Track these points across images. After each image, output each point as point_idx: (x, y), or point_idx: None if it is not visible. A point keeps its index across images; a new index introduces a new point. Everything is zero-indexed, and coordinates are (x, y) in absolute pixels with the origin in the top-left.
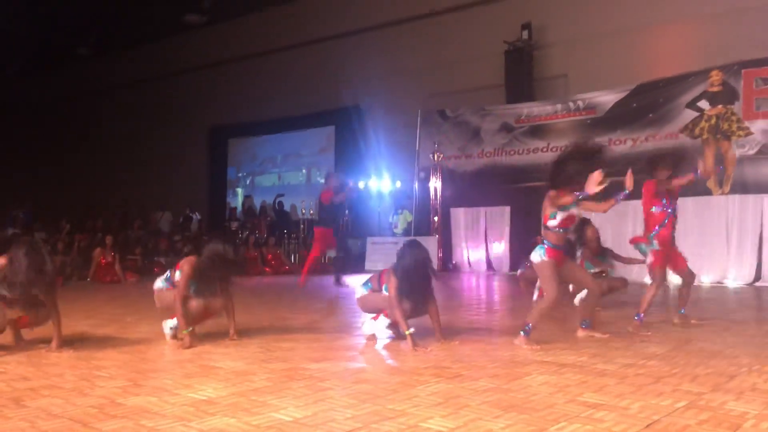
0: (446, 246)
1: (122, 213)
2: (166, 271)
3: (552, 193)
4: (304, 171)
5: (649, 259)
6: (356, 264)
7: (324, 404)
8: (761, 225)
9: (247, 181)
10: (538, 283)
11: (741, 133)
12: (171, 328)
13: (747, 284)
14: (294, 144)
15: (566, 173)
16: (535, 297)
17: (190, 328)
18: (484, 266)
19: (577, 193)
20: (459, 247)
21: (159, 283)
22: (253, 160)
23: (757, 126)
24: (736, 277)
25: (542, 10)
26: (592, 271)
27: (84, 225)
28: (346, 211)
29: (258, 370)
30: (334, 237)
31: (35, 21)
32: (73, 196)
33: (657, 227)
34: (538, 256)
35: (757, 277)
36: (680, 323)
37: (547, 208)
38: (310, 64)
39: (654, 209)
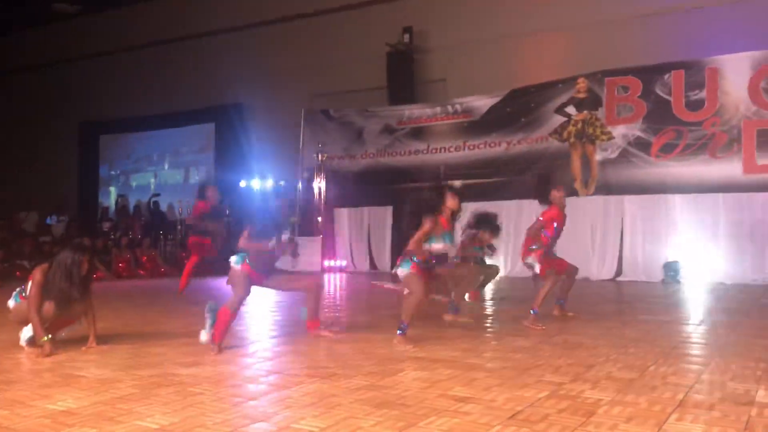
0: (330, 246)
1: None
2: (22, 284)
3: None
4: (182, 170)
5: (537, 268)
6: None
7: (193, 410)
8: (622, 223)
9: (121, 180)
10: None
11: (604, 137)
12: (28, 338)
13: (609, 279)
14: (172, 142)
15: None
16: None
17: (48, 336)
18: (367, 265)
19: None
20: (343, 247)
21: (11, 301)
22: (128, 157)
23: (618, 131)
24: (600, 273)
25: (423, 15)
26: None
27: None
28: (225, 215)
29: (125, 377)
30: (212, 244)
31: None
32: None
33: (534, 246)
34: (403, 271)
35: (618, 272)
36: (559, 314)
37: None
38: (189, 60)
39: (544, 234)
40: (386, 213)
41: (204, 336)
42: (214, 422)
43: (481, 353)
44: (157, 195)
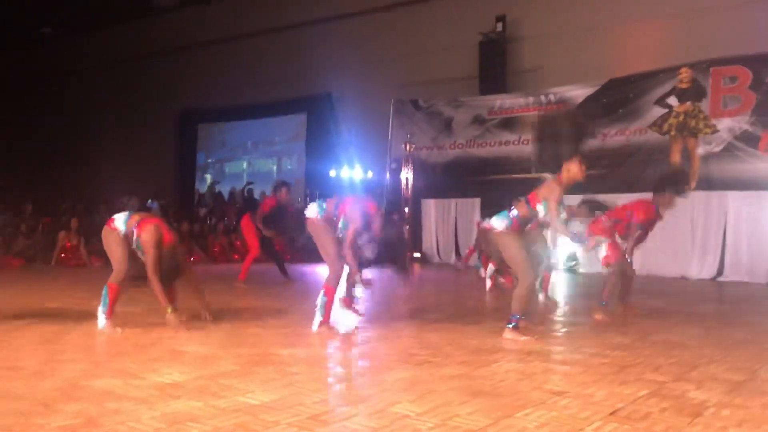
0: (416, 236)
1: (88, 196)
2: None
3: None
4: (275, 159)
5: (604, 249)
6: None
7: (292, 388)
8: (725, 221)
9: (217, 168)
10: (489, 271)
11: (708, 130)
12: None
13: (710, 279)
14: (265, 131)
15: None
16: (488, 285)
17: (172, 307)
18: (453, 257)
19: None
20: (429, 238)
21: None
22: (223, 146)
23: (723, 124)
24: (700, 272)
25: (517, 3)
26: None
27: (48, 208)
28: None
29: (225, 354)
30: (259, 240)
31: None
32: (37, 178)
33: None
34: (500, 223)
35: (720, 271)
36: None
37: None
38: (282, 51)
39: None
40: (474, 205)
41: (315, 327)
42: (312, 401)
43: (576, 349)
44: (251, 183)
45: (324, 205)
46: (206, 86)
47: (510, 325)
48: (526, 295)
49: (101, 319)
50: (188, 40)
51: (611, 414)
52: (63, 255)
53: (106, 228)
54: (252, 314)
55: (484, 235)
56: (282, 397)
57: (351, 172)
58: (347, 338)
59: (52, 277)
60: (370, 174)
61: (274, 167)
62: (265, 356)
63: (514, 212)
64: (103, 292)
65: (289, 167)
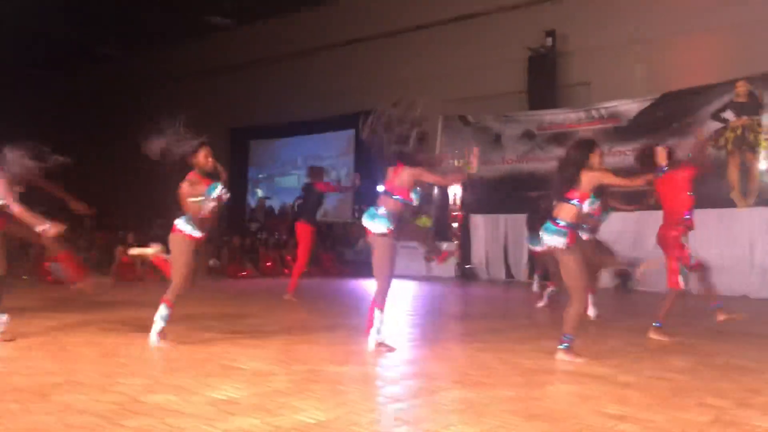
0: (465, 252)
1: (142, 212)
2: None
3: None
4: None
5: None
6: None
7: (346, 407)
8: None
9: (268, 183)
10: (549, 290)
11: (766, 144)
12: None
13: None
14: (315, 146)
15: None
16: (542, 303)
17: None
18: (503, 274)
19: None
20: (478, 254)
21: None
22: (274, 161)
23: None
24: (759, 291)
25: (566, 18)
26: None
27: (105, 222)
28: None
29: (278, 371)
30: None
31: (63, 21)
32: (94, 193)
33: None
34: (553, 240)
35: None
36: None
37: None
38: (331, 68)
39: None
40: (524, 220)
41: (371, 344)
42: (367, 421)
43: (634, 371)
44: (301, 198)
45: (390, 218)
46: (258, 103)
47: (563, 346)
48: (578, 316)
49: (153, 336)
50: (242, 58)
51: None
52: (120, 269)
53: (171, 234)
54: (302, 329)
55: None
56: (337, 417)
57: None
58: (398, 356)
59: (110, 291)
60: (417, 189)
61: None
62: (317, 373)
63: (563, 222)
64: (160, 307)
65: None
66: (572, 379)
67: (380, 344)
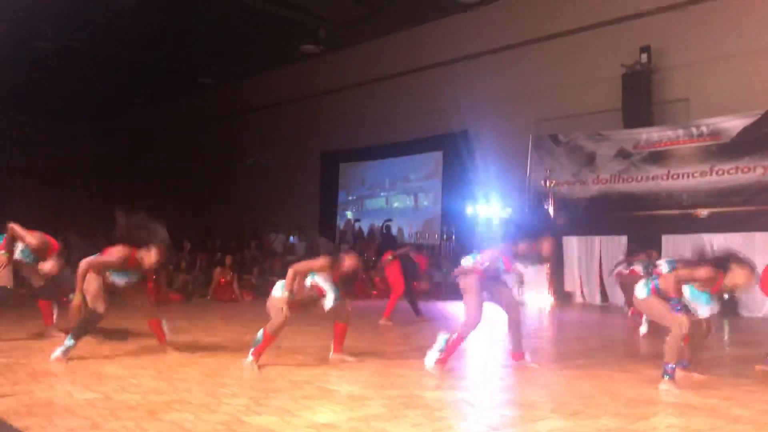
0: (558, 275)
1: (238, 234)
2: None
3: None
4: (411, 196)
5: None
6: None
7: None
8: None
9: (357, 205)
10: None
11: None
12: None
13: None
14: (402, 169)
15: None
16: (643, 330)
17: None
18: (598, 297)
19: None
20: (572, 277)
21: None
22: (362, 184)
23: None
24: None
25: (662, 33)
26: None
27: (204, 245)
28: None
29: (373, 395)
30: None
31: (162, 53)
32: (193, 216)
33: None
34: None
35: None
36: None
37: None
38: (418, 90)
39: None
40: (620, 242)
41: (429, 361)
42: None
43: (746, 403)
44: (389, 220)
45: (477, 257)
46: (347, 127)
47: (666, 376)
48: (677, 343)
49: (250, 359)
50: (331, 84)
51: None
52: (217, 290)
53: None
54: (395, 353)
55: (625, 281)
56: None
57: (488, 209)
58: (494, 382)
59: (209, 311)
60: (508, 210)
61: (411, 204)
62: (412, 398)
63: (655, 282)
64: (259, 334)
65: (425, 204)
66: (678, 411)
67: (441, 368)
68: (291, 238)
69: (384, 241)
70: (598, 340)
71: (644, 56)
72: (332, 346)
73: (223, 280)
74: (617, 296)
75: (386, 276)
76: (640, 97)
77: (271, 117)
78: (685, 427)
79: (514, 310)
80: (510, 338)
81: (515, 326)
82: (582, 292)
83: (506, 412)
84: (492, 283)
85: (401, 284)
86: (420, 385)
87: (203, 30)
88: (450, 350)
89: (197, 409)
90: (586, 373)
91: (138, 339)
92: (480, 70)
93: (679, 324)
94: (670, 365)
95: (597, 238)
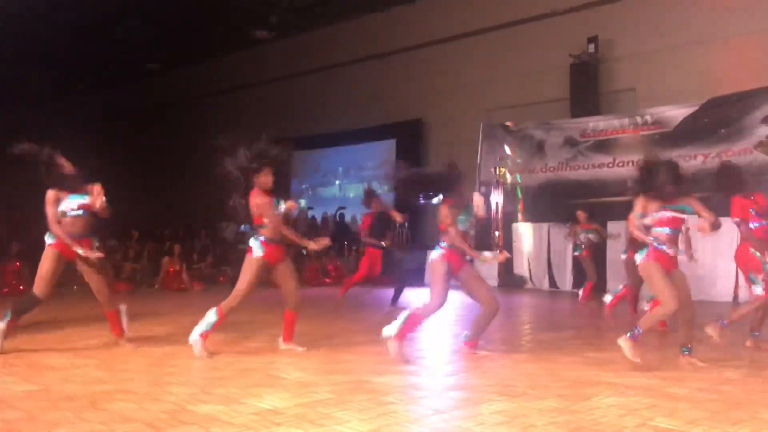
0: (508, 262)
1: (188, 223)
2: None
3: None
4: (365, 184)
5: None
6: (414, 278)
7: (388, 418)
8: None
9: (310, 193)
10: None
11: None
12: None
13: None
14: (356, 157)
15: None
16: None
17: None
18: (546, 283)
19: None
20: (521, 263)
21: None
22: (316, 171)
23: None
24: None
25: (609, 24)
26: None
27: (152, 234)
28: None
29: (321, 381)
30: (380, 258)
31: (109, 40)
32: (141, 205)
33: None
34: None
35: None
36: (752, 346)
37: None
38: (372, 78)
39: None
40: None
41: (387, 331)
42: None
43: (683, 382)
44: (343, 208)
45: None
46: (301, 114)
47: (629, 334)
48: (660, 317)
49: (196, 339)
50: (284, 70)
51: None
52: (166, 279)
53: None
54: (344, 339)
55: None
56: (378, 428)
57: (440, 197)
58: (442, 367)
59: (158, 301)
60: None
61: (363, 192)
62: (359, 383)
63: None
64: (210, 313)
65: (379, 192)
66: (618, 391)
67: (397, 345)
68: (242, 226)
69: (337, 229)
70: (546, 324)
71: (591, 46)
72: (282, 334)
73: (172, 269)
74: (565, 281)
75: (364, 257)
76: (588, 87)
77: (223, 103)
78: (624, 406)
79: (488, 303)
80: (472, 326)
81: (484, 319)
82: (530, 276)
83: (452, 396)
84: (466, 272)
85: (372, 271)
86: (368, 371)
87: (152, 14)
88: (407, 327)
89: (141, 399)
90: (532, 357)
91: (82, 330)
92: (432, 58)
93: (667, 303)
94: (638, 328)
95: (546, 225)
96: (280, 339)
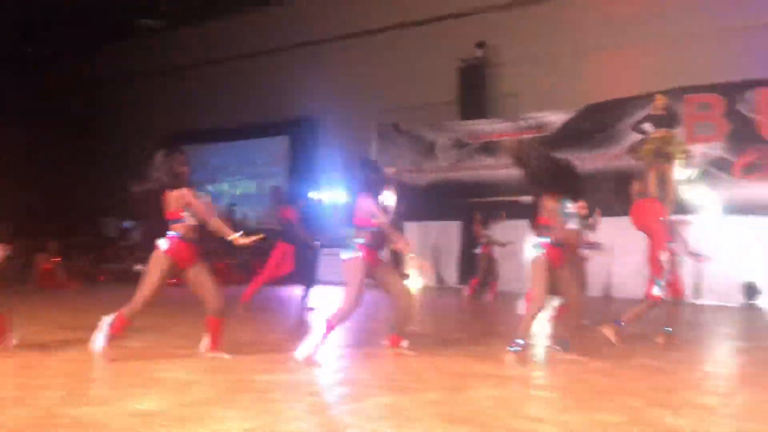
0: (398, 260)
1: (67, 218)
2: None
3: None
4: (256, 181)
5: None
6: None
7: (270, 416)
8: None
9: (199, 189)
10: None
11: (683, 156)
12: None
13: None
14: (248, 153)
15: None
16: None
17: None
18: (433, 280)
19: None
20: (409, 261)
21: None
22: (205, 167)
23: (697, 150)
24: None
25: (497, 30)
26: None
27: (26, 229)
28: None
29: (204, 381)
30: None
31: None
32: (16, 199)
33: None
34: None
35: (696, 295)
36: (664, 342)
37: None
38: (266, 74)
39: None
40: (454, 228)
41: (300, 353)
42: (290, 429)
43: (555, 374)
44: (234, 205)
45: (353, 245)
46: (188, 108)
47: (511, 349)
48: (527, 321)
49: (99, 341)
50: (170, 62)
51: None
52: (41, 277)
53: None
54: (228, 340)
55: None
56: (260, 425)
57: (333, 194)
58: (329, 364)
59: (30, 300)
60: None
61: (255, 189)
62: (243, 383)
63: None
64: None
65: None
66: (496, 384)
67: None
68: (125, 223)
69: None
70: (432, 319)
71: (479, 51)
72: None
73: (47, 266)
74: (451, 278)
75: (272, 254)
76: (475, 90)
77: (106, 95)
78: (500, 397)
79: (401, 297)
80: (396, 323)
81: (400, 313)
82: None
83: (338, 392)
84: (382, 269)
85: (281, 269)
86: (251, 370)
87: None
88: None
89: (6, 405)
90: (419, 352)
91: None
92: (325, 56)
93: (540, 298)
94: (519, 340)
95: (433, 224)
96: (204, 343)
